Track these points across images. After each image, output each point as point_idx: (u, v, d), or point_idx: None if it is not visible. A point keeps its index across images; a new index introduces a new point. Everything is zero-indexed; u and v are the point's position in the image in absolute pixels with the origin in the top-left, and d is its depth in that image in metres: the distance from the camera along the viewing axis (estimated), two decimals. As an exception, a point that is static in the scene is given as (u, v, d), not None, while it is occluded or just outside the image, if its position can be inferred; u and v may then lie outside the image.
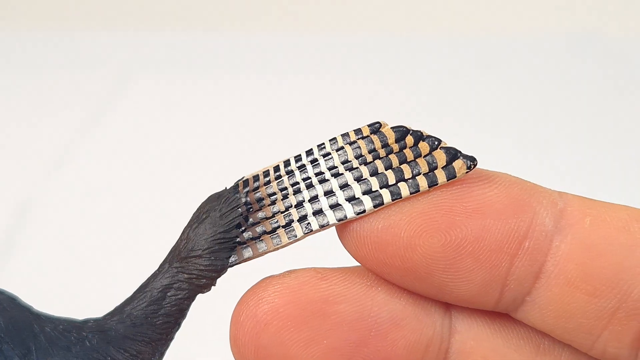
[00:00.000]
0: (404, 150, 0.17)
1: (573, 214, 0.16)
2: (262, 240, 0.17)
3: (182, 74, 0.68)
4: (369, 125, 0.17)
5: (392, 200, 0.16)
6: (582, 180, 0.53)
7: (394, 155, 0.17)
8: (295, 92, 0.65)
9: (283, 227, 0.17)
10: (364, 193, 0.17)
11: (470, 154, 0.16)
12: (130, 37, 0.73)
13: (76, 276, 0.45)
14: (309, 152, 0.17)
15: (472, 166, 0.16)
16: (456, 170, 0.16)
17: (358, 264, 0.17)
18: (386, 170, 0.17)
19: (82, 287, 0.44)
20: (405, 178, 0.16)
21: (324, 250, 0.18)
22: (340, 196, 0.17)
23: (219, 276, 0.17)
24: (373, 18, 0.76)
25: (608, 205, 0.17)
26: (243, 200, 0.18)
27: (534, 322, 0.17)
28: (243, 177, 0.18)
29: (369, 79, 0.67)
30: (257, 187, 0.18)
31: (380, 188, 0.17)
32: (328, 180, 0.17)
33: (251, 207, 0.18)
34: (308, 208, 0.17)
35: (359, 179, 0.17)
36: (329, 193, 0.17)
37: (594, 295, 0.16)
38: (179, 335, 0.18)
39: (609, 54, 0.68)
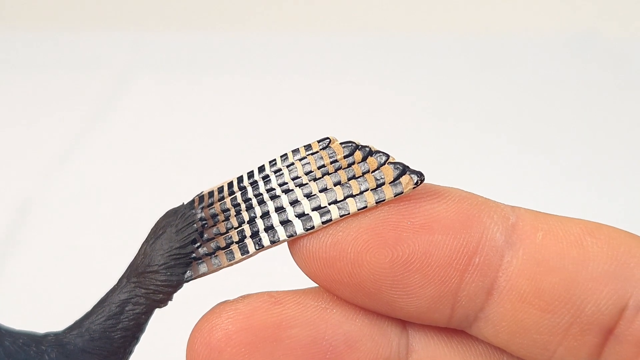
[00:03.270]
0: (353, 166, 0.17)
1: (525, 229, 0.16)
2: (216, 256, 0.17)
3: (182, 74, 0.68)
4: (318, 141, 0.17)
5: (340, 216, 0.16)
6: (582, 179, 0.53)
7: (343, 171, 0.17)
8: (295, 92, 0.65)
9: (236, 242, 0.17)
10: (314, 209, 0.17)
11: (418, 170, 0.16)
12: (130, 37, 0.73)
13: (76, 276, 0.45)
14: (261, 169, 0.17)
15: (420, 182, 0.16)
16: (403, 185, 0.16)
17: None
18: (335, 186, 0.17)
19: (82, 287, 0.44)
20: (354, 194, 0.16)
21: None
22: (290, 212, 0.17)
23: (175, 291, 0.17)
24: (373, 18, 0.76)
25: (561, 219, 0.17)
26: (198, 216, 0.18)
27: (489, 338, 0.17)
28: (201, 193, 0.18)
29: (369, 79, 0.67)
30: (212, 203, 0.18)
31: (329, 204, 0.16)
32: (279, 196, 0.17)
33: (206, 223, 0.18)
34: (260, 224, 0.17)
35: (308, 195, 0.17)
36: (279, 209, 0.17)
37: (547, 310, 0.16)
38: (137, 350, 0.18)
39: (609, 54, 0.67)
